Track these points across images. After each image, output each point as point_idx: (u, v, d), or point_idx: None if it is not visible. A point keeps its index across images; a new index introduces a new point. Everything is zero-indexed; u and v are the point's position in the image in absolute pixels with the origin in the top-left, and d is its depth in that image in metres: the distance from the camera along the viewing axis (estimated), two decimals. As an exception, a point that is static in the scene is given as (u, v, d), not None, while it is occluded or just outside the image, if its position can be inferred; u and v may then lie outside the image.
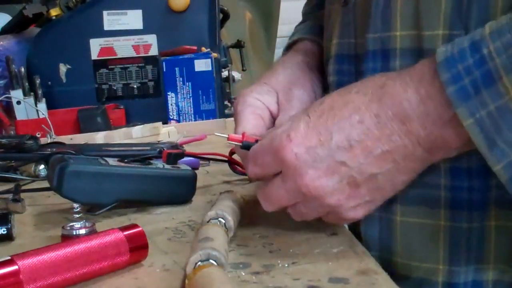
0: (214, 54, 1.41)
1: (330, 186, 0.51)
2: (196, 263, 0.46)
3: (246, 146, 0.59)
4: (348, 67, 0.62)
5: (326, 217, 0.55)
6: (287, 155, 0.51)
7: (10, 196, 0.75)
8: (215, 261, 0.46)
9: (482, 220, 0.54)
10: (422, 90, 0.48)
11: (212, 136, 1.21)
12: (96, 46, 1.41)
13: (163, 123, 1.32)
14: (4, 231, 0.62)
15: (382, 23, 0.56)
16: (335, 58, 0.63)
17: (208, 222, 0.56)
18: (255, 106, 0.65)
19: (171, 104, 1.36)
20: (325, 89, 0.70)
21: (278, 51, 2.56)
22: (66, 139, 1.16)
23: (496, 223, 0.54)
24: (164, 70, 1.36)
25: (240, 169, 0.83)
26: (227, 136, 0.60)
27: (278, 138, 0.53)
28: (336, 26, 0.63)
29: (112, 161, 0.71)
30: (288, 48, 0.76)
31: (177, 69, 1.35)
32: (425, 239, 0.56)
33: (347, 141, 0.51)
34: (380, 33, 0.57)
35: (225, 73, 1.60)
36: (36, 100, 1.31)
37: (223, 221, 0.56)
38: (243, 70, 1.63)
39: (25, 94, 1.30)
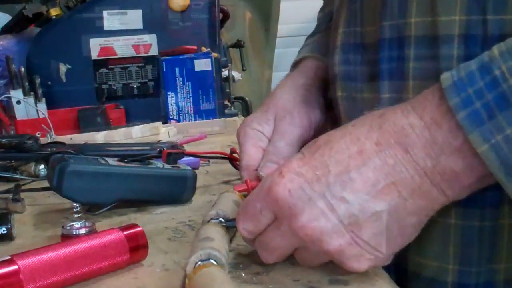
0: (214, 54, 1.41)
1: (329, 227, 0.45)
2: (196, 263, 0.46)
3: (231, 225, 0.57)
4: (354, 57, 0.60)
5: (328, 260, 0.49)
6: (280, 192, 0.46)
7: (10, 196, 0.75)
8: (215, 261, 0.46)
9: (494, 218, 0.52)
10: (426, 117, 0.44)
11: (212, 136, 1.22)
12: (96, 45, 1.41)
13: (163, 123, 1.32)
14: (4, 231, 0.62)
15: (398, 10, 0.54)
16: (341, 48, 0.62)
17: (208, 221, 0.56)
18: (255, 137, 0.68)
19: (171, 104, 1.36)
20: (328, 106, 0.71)
21: (278, 51, 2.57)
22: (66, 138, 1.16)
23: (509, 221, 0.52)
24: (164, 70, 1.36)
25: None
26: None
27: (269, 178, 0.47)
28: (342, 15, 0.62)
29: (112, 161, 0.71)
30: (295, 65, 0.77)
31: (177, 69, 1.35)
32: (435, 237, 0.54)
33: (346, 173, 0.45)
34: (396, 20, 0.54)
35: (225, 73, 1.60)
36: (36, 100, 1.31)
37: (224, 220, 0.56)
38: (243, 69, 1.63)
39: (25, 94, 1.30)
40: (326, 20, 0.79)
